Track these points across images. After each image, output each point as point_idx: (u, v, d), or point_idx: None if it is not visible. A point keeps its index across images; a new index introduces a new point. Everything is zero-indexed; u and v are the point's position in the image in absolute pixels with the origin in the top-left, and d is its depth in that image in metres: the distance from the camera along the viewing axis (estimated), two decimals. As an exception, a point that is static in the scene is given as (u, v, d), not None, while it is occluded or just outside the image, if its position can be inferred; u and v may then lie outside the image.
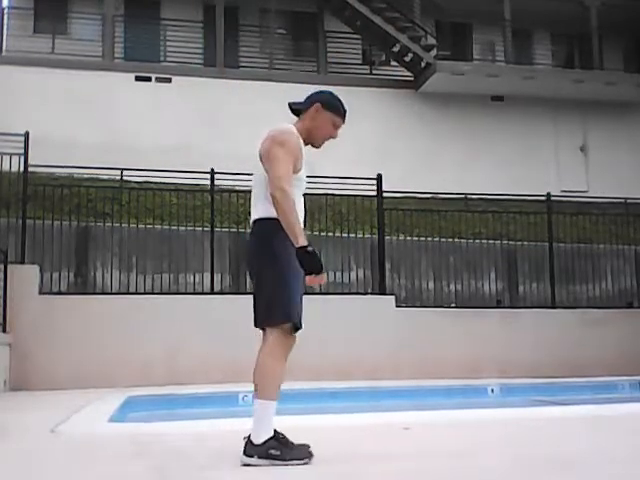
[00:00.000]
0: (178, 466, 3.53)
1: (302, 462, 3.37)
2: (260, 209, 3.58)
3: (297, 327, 3.47)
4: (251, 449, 3.34)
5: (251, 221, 3.67)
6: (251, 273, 3.67)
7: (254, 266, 3.62)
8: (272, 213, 3.46)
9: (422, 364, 9.59)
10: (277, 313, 3.45)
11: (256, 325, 3.61)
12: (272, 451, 3.33)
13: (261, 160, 3.58)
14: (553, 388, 8.63)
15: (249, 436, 3.39)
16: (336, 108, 3.68)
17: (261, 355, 3.45)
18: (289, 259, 3.41)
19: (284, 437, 3.41)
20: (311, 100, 3.71)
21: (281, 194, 3.37)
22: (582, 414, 5.82)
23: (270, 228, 3.47)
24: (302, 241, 3.32)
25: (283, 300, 3.43)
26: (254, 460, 3.32)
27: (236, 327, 9.33)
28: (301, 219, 3.54)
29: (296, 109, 3.71)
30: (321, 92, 3.78)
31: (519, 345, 10.13)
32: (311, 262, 3.32)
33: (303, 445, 3.46)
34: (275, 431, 3.38)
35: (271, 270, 3.47)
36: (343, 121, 3.72)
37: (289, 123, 3.65)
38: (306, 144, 3.65)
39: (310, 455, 3.41)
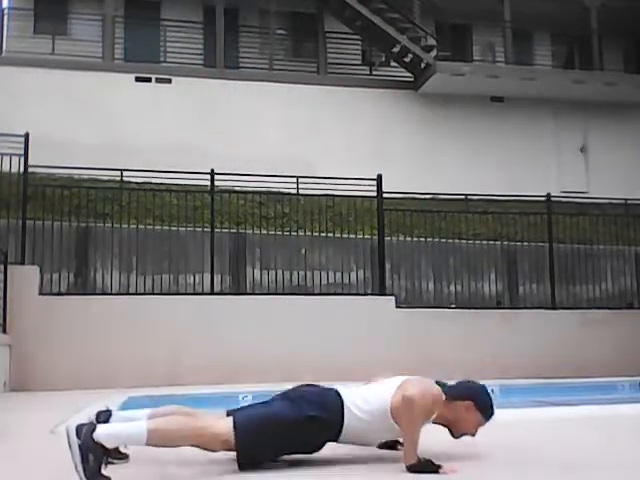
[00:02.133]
0: (178, 468, 3.53)
1: None
2: (357, 409, 3.45)
3: (241, 460, 3.31)
4: (86, 434, 3.07)
5: (339, 390, 3.53)
6: (298, 396, 3.49)
7: (307, 402, 3.43)
8: (352, 420, 3.41)
9: (422, 365, 9.55)
10: (244, 427, 3.29)
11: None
12: (91, 456, 3.03)
13: (397, 393, 3.43)
14: (553, 389, 8.62)
15: (104, 420, 3.31)
16: (487, 413, 3.56)
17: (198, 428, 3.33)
18: (308, 435, 3.36)
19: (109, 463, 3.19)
20: (465, 395, 3.56)
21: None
22: (582, 415, 5.81)
23: (342, 416, 3.41)
24: (415, 457, 3.24)
25: (261, 429, 3.30)
26: (73, 442, 3.05)
27: (236, 328, 9.40)
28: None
29: (447, 392, 3.53)
30: (477, 390, 3.64)
31: (519, 346, 10.14)
32: (427, 467, 3.20)
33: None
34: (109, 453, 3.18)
35: (293, 415, 3.35)
36: (486, 423, 3.59)
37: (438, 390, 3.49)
38: (438, 422, 3.53)
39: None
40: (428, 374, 9.92)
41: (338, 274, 10.47)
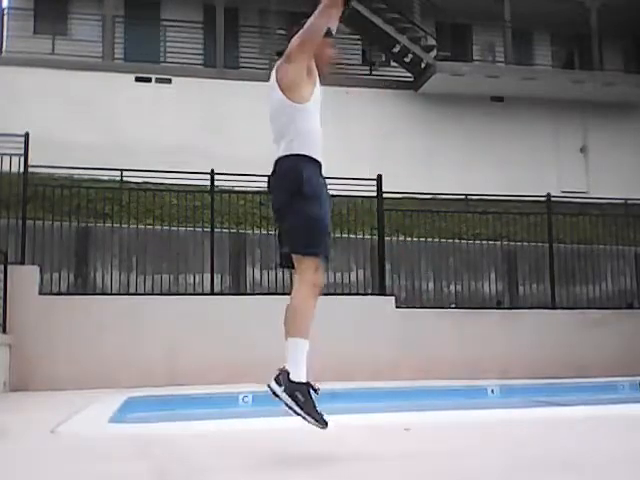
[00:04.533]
0: (178, 467, 3.53)
1: (317, 424, 3.37)
2: (284, 146, 3.63)
3: (326, 257, 3.60)
4: (284, 380, 3.38)
5: (275, 158, 3.69)
6: (277, 208, 3.70)
7: (282, 202, 3.64)
8: (297, 149, 3.57)
9: (422, 365, 9.59)
10: (308, 246, 3.55)
11: (288, 251, 3.65)
12: (298, 394, 3.36)
13: (279, 86, 3.64)
14: (553, 389, 8.63)
15: (287, 371, 3.42)
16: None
17: (293, 292, 3.61)
18: (321, 196, 3.57)
19: (317, 392, 3.45)
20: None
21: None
22: (582, 415, 5.82)
23: (297, 164, 3.57)
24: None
25: (315, 235, 3.53)
26: (279, 390, 3.37)
27: (236, 328, 9.38)
28: (320, 147, 3.64)
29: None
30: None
31: (519, 346, 10.13)
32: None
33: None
34: (310, 383, 3.43)
35: (304, 207, 3.53)
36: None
37: None
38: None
39: (326, 424, 3.40)
40: (428, 374, 9.91)
41: (338, 274, 10.47)
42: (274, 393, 3.38)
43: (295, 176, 3.55)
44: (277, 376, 3.41)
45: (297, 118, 3.61)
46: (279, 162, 3.66)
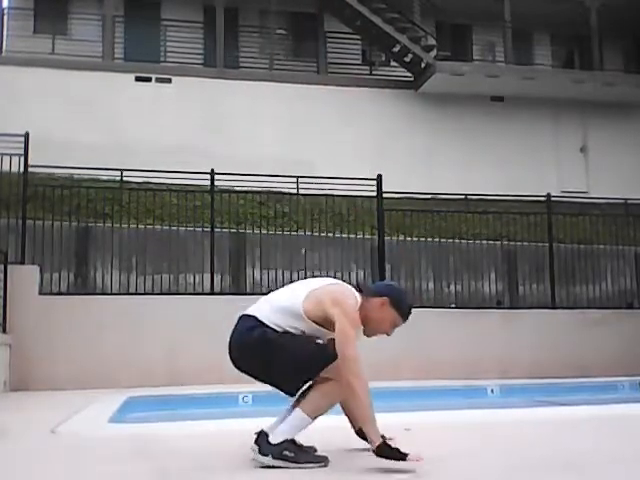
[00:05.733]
0: (178, 467, 3.53)
1: (318, 465, 3.34)
2: (271, 319, 3.45)
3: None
4: (267, 448, 3.32)
5: (247, 313, 3.53)
6: (241, 366, 3.51)
7: (252, 361, 3.47)
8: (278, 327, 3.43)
9: (422, 365, 9.59)
10: (315, 367, 3.39)
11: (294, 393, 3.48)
12: (286, 452, 3.31)
13: (311, 300, 3.46)
14: (553, 389, 8.63)
15: (265, 434, 3.36)
16: (403, 310, 3.55)
17: (335, 382, 3.39)
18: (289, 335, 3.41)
19: (300, 444, 3.41)
20: (381, 292, 3.57)
21: (359, 382, 3.30)
22: (582, 414, 5.82)
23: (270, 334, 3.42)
24: (379, 436, 3.27)
25: (310, 355, 3.37)
26: (268, 459, 3.31)
27: (236, 328, 9.39)
28: None
29: (363, 290, 3.58)
30: (394, 287, 3.70)
31: (519, 346, 10.13)
32: (395, 454, 3.21)
33: (311, 447, 3.47)
34: (292, 439, 3.38)
35: (280, 348, 3.38)
36: (404, 322, 3.59)
37: (351, 290, 3.52)
38: None
39: (325, 460, 3.38)
40: (428, 374, 9.89)
41: (338, 274, 10.46)
42: (264, 465, 3.31)
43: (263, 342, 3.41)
44: (259, 448, 3.33)
45: (295, 322, 3.46)
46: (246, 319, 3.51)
